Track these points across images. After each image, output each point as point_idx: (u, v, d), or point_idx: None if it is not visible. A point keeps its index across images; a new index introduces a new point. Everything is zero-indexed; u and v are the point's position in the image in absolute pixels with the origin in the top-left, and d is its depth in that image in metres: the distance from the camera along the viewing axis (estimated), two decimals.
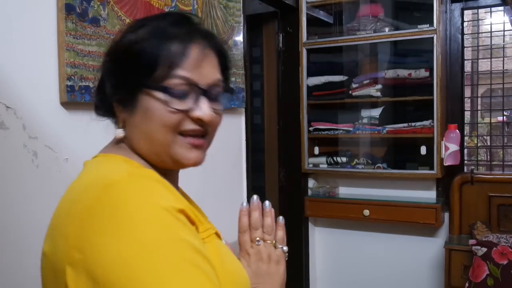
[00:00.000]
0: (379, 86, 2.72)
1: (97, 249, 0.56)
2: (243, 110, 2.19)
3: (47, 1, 1.24)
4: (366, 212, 2.69)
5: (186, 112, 0.67)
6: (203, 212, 0.82)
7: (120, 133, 0.71)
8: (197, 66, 0.67)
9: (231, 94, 0.77)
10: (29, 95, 1.19)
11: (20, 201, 1.17)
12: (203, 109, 0.68)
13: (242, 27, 2.12)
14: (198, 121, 0.68)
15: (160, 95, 0.66)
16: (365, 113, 2.79)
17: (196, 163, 0.71)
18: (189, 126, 0.68)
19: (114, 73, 0.69)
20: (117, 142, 0.73)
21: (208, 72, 0.69)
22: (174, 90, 0.66)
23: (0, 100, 1.12)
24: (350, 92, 2.79)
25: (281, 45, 2.92)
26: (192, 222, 0.63)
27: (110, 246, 0.55)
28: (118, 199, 0.58)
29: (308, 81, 2.83)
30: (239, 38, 2.10)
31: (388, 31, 2.64)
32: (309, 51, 2.83)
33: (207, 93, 0.69)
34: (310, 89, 2.84)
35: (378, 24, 2.70)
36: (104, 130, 1.17)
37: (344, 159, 2.83)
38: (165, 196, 0.62)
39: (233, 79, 2.02)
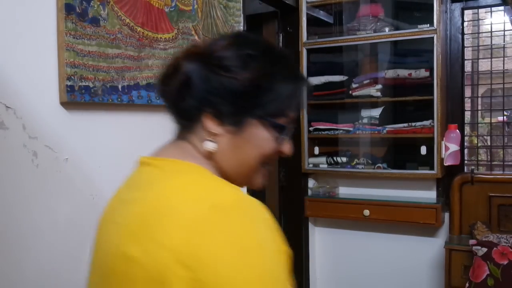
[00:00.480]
0: (379, 86, 2.71)
1: (212, 273, 0.56)
2: None
3: (47, 1, 1.24)
4: (366, 212, 2.69)
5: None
6: None
7: (212, 146, 0.71)
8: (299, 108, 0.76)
9: None
10: (29, 95, 1.19)
11: (20, 201, 1.16)
12: (290, 145, 0.77)
13: (242, 27, 2.12)
14: (281, 154, 0.76)
15: (272, 129, 0.71)
16: (365, 113, 2.79)
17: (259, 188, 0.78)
18: (274, 157, 0.76)
19: (231, 92, 0.69)
20: (182, 147, 0.72)
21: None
22: (287, 128, 0.73)
23: (0, 100, 1.12)
24: (350, 92, 2.79)
25: (281, 45, 2.92)
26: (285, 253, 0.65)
27: (228, 274, 0.56)
28: (235, 227, 0.59)
29: (308, 81, 2.83)
30: None
31: (388, 31, 2.64)
32: (309, 51, 2.83)
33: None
34: (310, 89, 2.84)
35: (378, 24, 2.69)
36: (104, 131, 1.17)
37: (344, 159, 2.83)
38: (273, 229, 0.63)
39: None
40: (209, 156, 0.72)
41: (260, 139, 0.71)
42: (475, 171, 2.62)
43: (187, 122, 0.73)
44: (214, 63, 0.70)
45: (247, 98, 0.69)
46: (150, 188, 0.67)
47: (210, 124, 0.70)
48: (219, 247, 0.57)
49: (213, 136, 0.71)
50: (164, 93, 0.75)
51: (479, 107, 3.48)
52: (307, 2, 2.79)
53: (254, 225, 0.61)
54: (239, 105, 0.69)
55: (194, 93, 0.70)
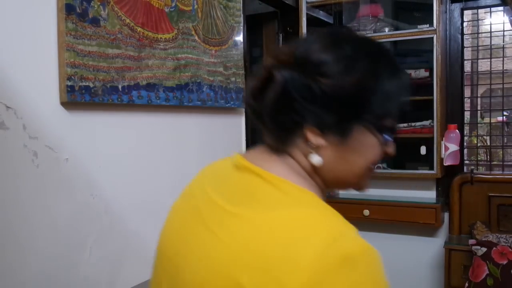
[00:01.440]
0: None
1: None
2: (243, 110, 2.19)
3: (47, 1, 1.24)
4: (366, 212, 2.69)
5: None
6: None
7: (317, 161, 0.65)
8: None
9: None
10: (29, 95, 1.19)
11: (20, 201, 1.17)
12: (394, 146, 0.72)
13: (242, 27, 2.12)
14: (386, 156, 0.71)
15: (378, 134, 0.67)
16: None
17: None
18: (379, 159, 0.71)
19: (335, 100, 0.63)
20: (287, 159, 0.67)
21: None
22: (395, 129, 0.69)
23: (0, 100, 1.12)
24: None
25: (281, 45, 2.92)
26: None
27: None
28: (358, 282, 0.54)
29: None
30: (239, 38, 2.10)
31: (388, 31, 2.64)
32: None
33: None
34: None
35: (378, 24, 2.70)
36: (104, 131, 1.17)
37: None
38: (386, 280, 0.57)
39: (233, 79, 2.02)
40: (314, 171, 0.67)
41: (367, 146, 0.67)
42: (475, 171, 2.62)
43: (285, 135, 0.67)
44: (312, 70, 0.63)
45: (352, 104, 0.63)
46: (263, 209, 0.60)
47: (313, 137, 0.64)
48: None
49: (317, 149, 0.65)
50: (257, 108, 0.68)
51: (479, 107, 3.48)
52: (307, 2, 2.79)
53: (375, 279, 0.56)
54: (344, 113, 0.63)
55: (294, 105, 0.63)
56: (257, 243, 0.56)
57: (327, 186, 0.70)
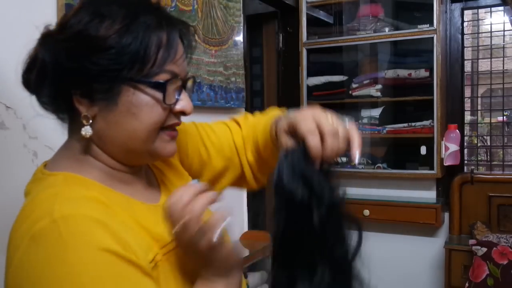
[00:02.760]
0: (379, 86, 2.72)
1: None
2: (243, 110, 2.19)
3: (47, 1, 1.24)
4: (366, 212, 2.69)
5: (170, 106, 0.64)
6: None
7: (88, 131, 0.62)
8: (180, 58, 0.65)
9: (194, 83, 0.73)
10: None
11: (20, 201, 1.16)
12: (187, 102, 0.66)
13: (242, 27, 2.12)
14: (180, 114, 0.67)
15: (151, 91, 0.61)
16: (365, 113, 2.79)
17: (174, 154, 0.69)
18: (173, 121, 0.66)
19: (89, 61, 0.59)
20: (70, 142, 0.67)
21: (184, 63, 0.66)
22: (166, 85, 0.62)
23: (0, 100, 1.12)
24: (350, 92, 2.79)
25: (281, 45, 2.92)
26: (129, 260, 0.57)
27: None
28: (38, 262, 0.55)
29: (308, 81, 2.83)
30: (239, 38, 2.10)
31: (388, 31, 2.64)
32: (309, 51, 2.83)
33: (185, 85, 0.67)
34: (310, 89, 2.84)
35: (378, 24, 2.70)
36: None
37: (344, 159, 2.83)
38: (99, 241, 0.55)
39: (233, 79, 2.02)
40: (90, 145, 0.64)
41: (141, 106, 0.61)
42: (475, 171, 2.62)
43: (64, 115, 0.66)
44: (65, 36, 0.60)
45: (107, 62, 0.59)
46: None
47: (81, 107, 0.61)
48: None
49: (89, 119, 0.62)
50: (30, 90, 0.66)
51: (479, 107, 3.48)
52: (307, 2, 2.79)
53: (59, 252, 0.55)
54: (102, 74, 0.59)
55: (53, 77, 0.61)
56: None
57: (120, 159, 0.66)
